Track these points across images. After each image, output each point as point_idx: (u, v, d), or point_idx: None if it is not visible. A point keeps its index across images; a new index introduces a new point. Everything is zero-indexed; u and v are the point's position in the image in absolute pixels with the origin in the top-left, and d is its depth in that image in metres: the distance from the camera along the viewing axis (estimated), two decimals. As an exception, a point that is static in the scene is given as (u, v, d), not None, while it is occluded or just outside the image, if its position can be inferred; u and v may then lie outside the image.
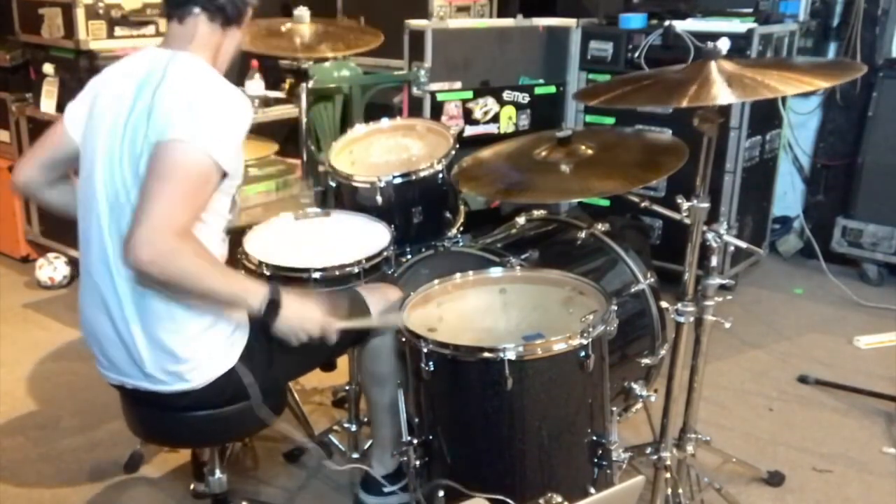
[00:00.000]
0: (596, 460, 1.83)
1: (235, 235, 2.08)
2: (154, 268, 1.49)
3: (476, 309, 2.07)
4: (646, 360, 2.26)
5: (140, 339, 1.67)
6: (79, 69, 3.44)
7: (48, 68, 3.63)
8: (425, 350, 1.74)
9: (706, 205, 1.86)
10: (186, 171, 1.54)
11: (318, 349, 1.94)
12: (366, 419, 2.37)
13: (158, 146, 1.55)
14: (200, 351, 1.67)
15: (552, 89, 3.80)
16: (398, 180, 2.32)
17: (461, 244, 2.43)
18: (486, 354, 1.69)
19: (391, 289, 2.05)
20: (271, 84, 3.59)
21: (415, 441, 1.88)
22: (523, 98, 3.67)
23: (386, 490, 2.16)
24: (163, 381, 1.69)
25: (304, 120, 2.81)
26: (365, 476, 2.20)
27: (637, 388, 2.18)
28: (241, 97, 1.66)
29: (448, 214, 2.46)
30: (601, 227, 2.36)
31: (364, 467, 2.20)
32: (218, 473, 1.98)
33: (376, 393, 2.10)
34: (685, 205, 1.87)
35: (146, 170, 1.56)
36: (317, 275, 2.02)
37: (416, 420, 1.89)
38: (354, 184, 2.36)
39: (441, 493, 1.80)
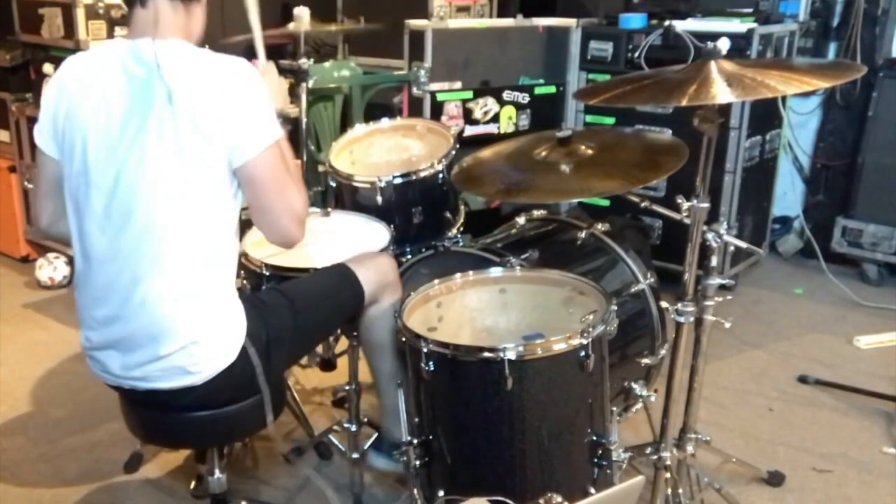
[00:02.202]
0: (596, 460, 1.83)
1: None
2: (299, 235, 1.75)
3: (476, 309, 2.08)
4: (646, 360, 2.26)
5: (141, 338, 1.67)
6: (79, 69, 3.44)
7: (48, 68, 3.63)
8: (425, 350, 1.74)
9: (706, 205, 1.86)
10: (276, 172, 1.67)
11: (315, 332, 1.94)
12: (365, 419, 2.37)
13: (243, 169, 1.64)
14: (199, 346, 1.67)
15: (552, 89, 3.80)
16: (398, 180, 2.32)
17: (461, 244, 2.43)
18: (486, 354, 1.69)
19: (382, 256, 2.05)
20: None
21: (415, 441, 1.88)
22: (523, 98, 3.67)
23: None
24: (162, 379, 1.69)
25: (304, 120, 2.81)
26: (377, 438, 2.22)
27: (637, 388, 2.17)
28: (244, 64, 1.67)
29: (448, 214, 2.46)
30: (601, 227, 2.36)
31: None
32: (217, 473, 1.98)
33: (376, 360, 2.12)
34: (685, 205, 1.86)
35: (244, 186, 1.68)
36: (317, 275, 2.02)
37: (416, 420, 1.89)
38: (354, 184, 2.36)
39: (441, 493, 1.80)
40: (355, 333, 2.14)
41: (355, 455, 2.30)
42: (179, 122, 1.58)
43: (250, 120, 1.63)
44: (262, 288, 2.05)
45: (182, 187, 1.61)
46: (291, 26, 2.88)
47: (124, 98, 1.62)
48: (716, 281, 1.92)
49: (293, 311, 1.84)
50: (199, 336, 1.66)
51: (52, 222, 1.82)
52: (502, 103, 3.60)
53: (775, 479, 2.37)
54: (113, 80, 1.64)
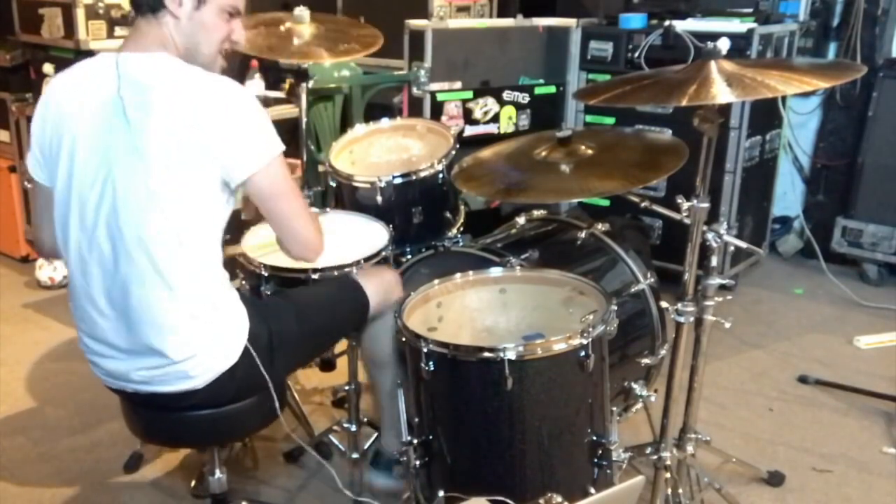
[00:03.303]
0: (596, 460, 1.83)
1: (234, 235, 2.08)
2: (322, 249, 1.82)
3: (476, 309, 2.08)
4: (646, 360, 2.26)
5: (137, 346, 1.67)
6: (79, 69, 3.44)
7: (48, 68, 3.63)
8: (425, 350, 1.74)
9: (706, 205, 1.86)
10: (283, 184, 1.70)
11: (319, 338, 1.94)
12: (365, 419, 2.37)
13: (250, 182, 1.65)
14: (200, 350, 1.67)
15: (552, 89, 3.80)
16: (398, 180, 2.32)
17: (461, 244, 2.43)
18: (486, 354, 1.69)
19: (388, 271, 2.06)
20: (271, 84, 3.58)
21: (415, 441, 1.88)
22: (523, 98, 3.67)
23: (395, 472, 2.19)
24: (164, 383, 1.69)
25: (304, 120, 2.81)
26: (375, 454, 2.23)
27: (637, 388, 2.18)
28: (235, 85, 1.67)
29: (448, 214, 2.46)
30: (601, 227, 2.36)
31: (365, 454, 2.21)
32: (218, 473, 1.98)
33: (377, 376, 2.13)
34: (685, 205, 1.87)
35: (257, 203, 1.71)
36: (315, 275, 2.02)
37: (416, 420, 1.89)
38: (354, 184, 2.36)
39: (441, 493, 1.80)
40: (355, 335, 2.14)
41: (355, 455, 2.30)
42: (151, 136, 1.57)
43: (249, 137, 1.63)
44: (262, 288, 2.05)
45: (167, 198, 1.60)
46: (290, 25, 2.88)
47: (101, 114, 1.62)
48: (716, 281, 1.92)
49: (297, 316, 1.85)
50: (199, 340, 1.66)
51: (54, 245, 1.80)
52: (502, 103, 3.60)
53: (775, 479, 2.37)
54: (92, 97, 1.64)
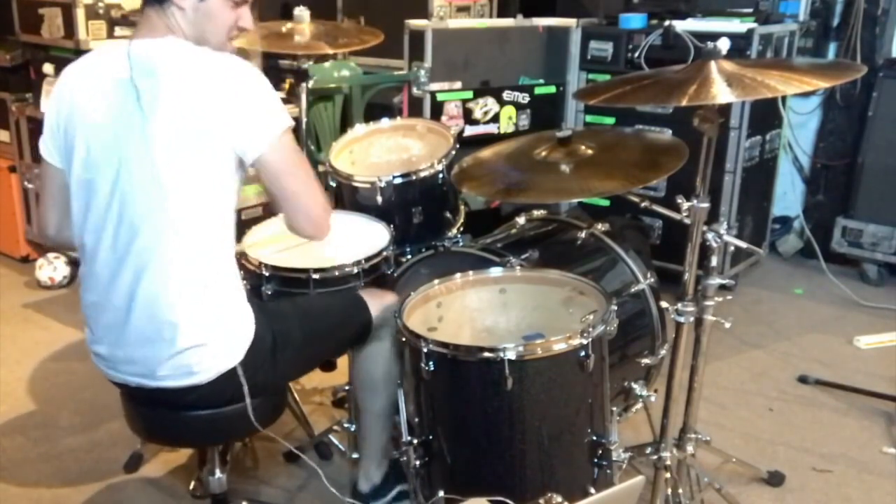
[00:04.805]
0: (596, 460, 1.83)
1: (235, 235, 2.08)
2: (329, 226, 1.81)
3: (476, 309, 2.08)
4: (646, 360, 2.26)
5: (146, 334, 1.67)
6: (79, 69, 3.44)
7: (48, 68, 3.63)
8: (425, 350, 1.74)
9: (706, 205, 1.86)
10: (293, 158, 1.71)
11: (320, 347, 1.94)
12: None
13: (259, 161, 1.66)
14: (206, 346, 1.67)
15: (552, 89, 3.80)
16: (398, 180, 2.32)
17: (461, 244, 2.43)
18: (486, 354, 1.69)
19: (389, 293, 2.06)
20: (271, 84, 3.58)
21: (415, 441, 1.88)
22: (523, 98, 3.67)
23: None
24: (168, 377, 1.69)
25: (304, 120, 2.81)
26: (353, 492, 2.19)
27: (637, 388, 2.18)
28: (241, 62, 1.68)
29: (448, 214, 2.46)
30: (601, 227, 2.36)
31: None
32: (218, 473, 1.98)
33: (368, 398, 2.09)
34: (685, 205, 1.87)
35: (265, 180, 1.70)
36: (316, 275, 2.02)
37: (416, 420, 1.89)
38: (354, 184, 2.36)
39: (441, 493, 1.80)
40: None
41: (355, 455, 2.30)
42: (161, 121, 1.59)
43: (258, 112, 1.65)
44: (262, 288, 2.05)
45: (179, 183, 1.61)
46: (291, 25, 2.89)
47: (113, 99, 1.63)
48: (716, 281, 1.92)
49: (302, 323, 1.86)
50: (206, 335, 1.67)
51: (59, 230, 1.84)
52: (502, 103, 3.60)
53: (775, 479, 2.37)
54: (105, 83, 1.65)
